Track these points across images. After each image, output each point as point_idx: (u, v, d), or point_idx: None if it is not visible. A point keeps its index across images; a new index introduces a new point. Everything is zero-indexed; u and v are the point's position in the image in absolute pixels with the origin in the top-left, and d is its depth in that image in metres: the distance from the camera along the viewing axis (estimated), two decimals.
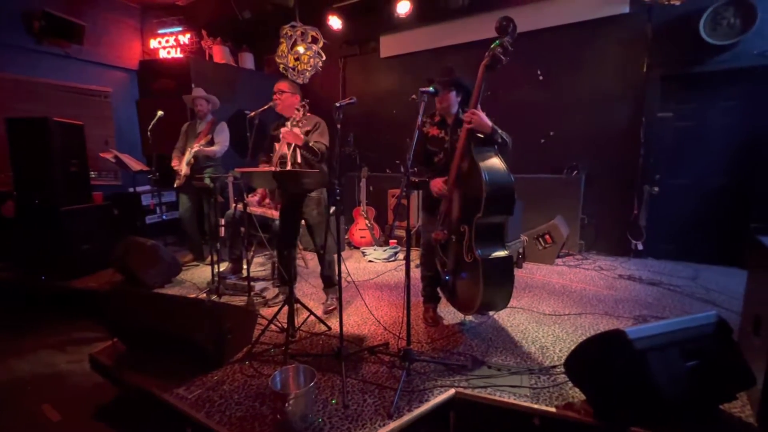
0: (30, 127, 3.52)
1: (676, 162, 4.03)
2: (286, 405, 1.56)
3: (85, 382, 2.37)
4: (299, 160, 2.61)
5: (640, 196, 4.07)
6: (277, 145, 2.75)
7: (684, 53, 3.79)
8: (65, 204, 3.58)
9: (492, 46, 2.06)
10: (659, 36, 3.88)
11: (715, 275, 3.54)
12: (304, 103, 2.59)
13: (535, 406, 1.72)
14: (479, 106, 2.12)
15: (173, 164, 3.85)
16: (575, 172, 4.27)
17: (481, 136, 2.14)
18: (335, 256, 2.46)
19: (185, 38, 5.51)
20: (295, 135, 2.52)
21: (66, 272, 3.53)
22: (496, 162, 2.14)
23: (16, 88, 4.28)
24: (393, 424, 1.64)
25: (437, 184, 2.31)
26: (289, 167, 2.57)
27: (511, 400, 1.76)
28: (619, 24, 4.02)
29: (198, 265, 4.02)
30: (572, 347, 1.76)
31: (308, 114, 2.72)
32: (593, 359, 1.63)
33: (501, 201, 2.11)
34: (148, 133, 3.91)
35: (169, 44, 5.54)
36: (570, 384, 1.81)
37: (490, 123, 2.12)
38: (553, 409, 1.69)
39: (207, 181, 3.03)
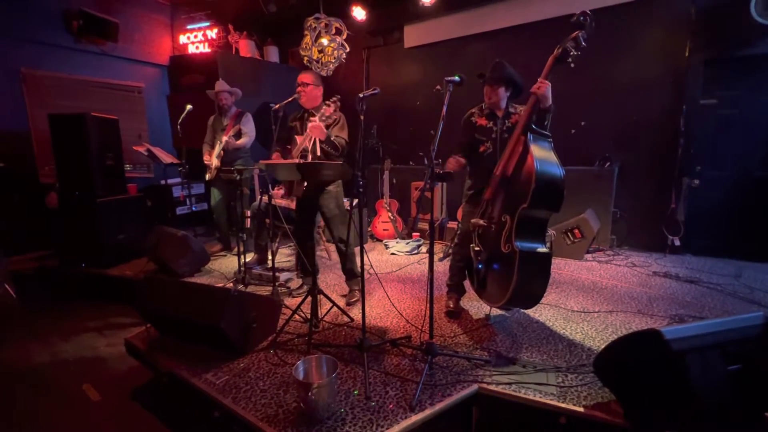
0: (70, 122, 3.70)
1: (719, 152, 3.78)
2: (310, 394, 1.58)
3: (122, 364, 2.51)
4: (319, 153, 2.62)
5: (678, 188, 3.85)
6: (298, 138, 2.77)
7: (731, 35, 3.52)
8: (102, 195, 3.75)
9: (565, 40, 2.07)
10: (704, 17, 3.62)
11: (761, 273, 3.31)
12: (336, 98, 2.55)
13: (562, 405, 1.67)
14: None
15: (205, 159, 3.96)
16: (608, 163, 4.09)
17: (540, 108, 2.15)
18: (356, 248, 2.47)
19: (213, 33, 5.63)
20: (321, 130, 2.53)
21: (104, 260, 3.71)
22: (550, 154, 2.11)
23: (56, 84, 4.51)
24: (415, 417, 1.64)
25: (453, 161, 2.40)
26: (309, 160, 2.58)
27: (537, 398, 1.72)
28: (660, 5, 3.78)
29: (226, 255, 4.14)
30: (602, 346, 1.70)
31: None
32: (626, 359, 1.56)
33: (549, 195, 2.07)
34: (178, 126, 4.03)
35: (197, 39, 5.68)
36: (599, 384, 1.75)
37: (551, 101, 2.12)
38: (581, 409, 1.64)
39: (234, 173, 3.10)
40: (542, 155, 2.07)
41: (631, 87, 4.00)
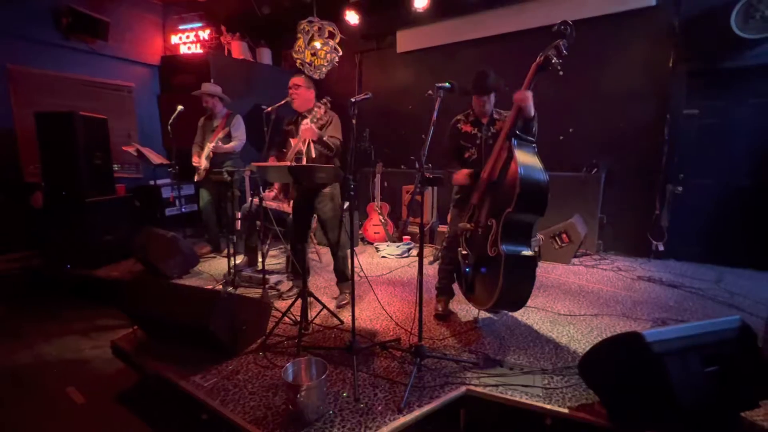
0: (57, 120, 3.65)
1: (702, 161, 3.88)
2: (299, 396, 1.59)
3: (108, 367, 2.46)
4: (314, 155, 2.63)
5: (662, 195, 3.95)
6: (292, 141, 2.78)
7: (713, 48, 3.64)
8: (90, 196, 3.70)
9: (547, 48, 2.09)
10: (687, 30, 3.73)
11: (740, 279, 3.41)
12: (326, 100, 2.61)
13: (548, 407, 1.70)
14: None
15: (193, 161, 3.93)
16: (595, 170, 4.17)
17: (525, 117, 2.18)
18: (348, 251, 2.48)
19: (205, 34, 5.59)
20: (313, 131, 2.55)
21: (90, 261, 3.65)
22: (534, 160, 2.16)
23: (44, 82, 4.43)
24: (403, 419, 1.65)
25: (461, 175, 2.37)
26: (304, 163, 2.59)
27: (523, 400, 1.75)
28: (645, 17, 3.88)
29: (215, 257, 4.11)
30: (587, 348, 1.73)
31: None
32: (609, 362, 1.60)
33: (534, 199, 2.11)
34: (169, 127, 3.99)
35: (189, 40, 5.63)
36: (584, 386, 1.78)
37: (533, 111, 2.16)
38: (566, 410, 1.67)
39: (224, 175, 3.08)
40: (526, 161, 2.12)
41: (617, 96, 4.09)
